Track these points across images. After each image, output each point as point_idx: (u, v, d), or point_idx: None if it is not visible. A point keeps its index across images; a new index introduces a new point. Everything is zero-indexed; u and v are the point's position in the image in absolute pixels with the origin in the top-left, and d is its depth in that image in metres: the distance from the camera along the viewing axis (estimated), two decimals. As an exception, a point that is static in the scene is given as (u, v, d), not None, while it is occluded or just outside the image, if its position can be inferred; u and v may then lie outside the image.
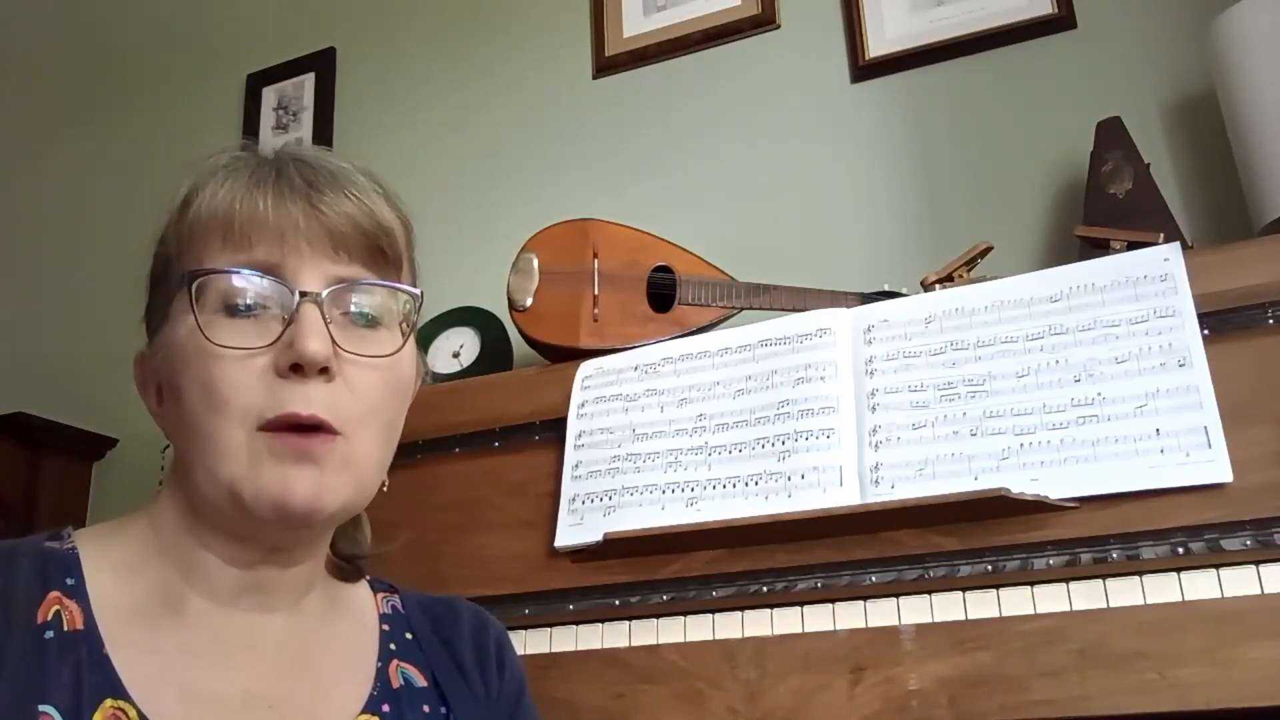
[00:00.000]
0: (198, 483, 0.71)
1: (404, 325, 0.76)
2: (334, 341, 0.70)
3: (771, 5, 1.89)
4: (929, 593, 1.06)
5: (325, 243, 0.72)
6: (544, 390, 1.36)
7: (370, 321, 0.74)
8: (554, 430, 1.32)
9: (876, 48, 1.79)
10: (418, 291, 0.77)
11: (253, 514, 0.69)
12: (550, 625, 1.20)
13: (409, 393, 0.79)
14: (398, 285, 0.76)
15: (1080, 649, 0.96)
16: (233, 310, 0.70)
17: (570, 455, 1.28)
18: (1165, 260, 1.10)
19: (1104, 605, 0.99)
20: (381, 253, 0.75)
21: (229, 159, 0.75)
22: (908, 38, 1.77)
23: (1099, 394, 1.06)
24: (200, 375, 0.69)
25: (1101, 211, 1.38)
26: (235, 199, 0.72)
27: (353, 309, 0.73)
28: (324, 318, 0.70)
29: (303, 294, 0.70)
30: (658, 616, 1.16)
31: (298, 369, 0.69)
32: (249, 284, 0.71)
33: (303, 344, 0.68)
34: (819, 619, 1.09)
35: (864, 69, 1.79)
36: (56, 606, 0.67)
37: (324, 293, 0.71)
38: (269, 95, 2.33)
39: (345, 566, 0.85)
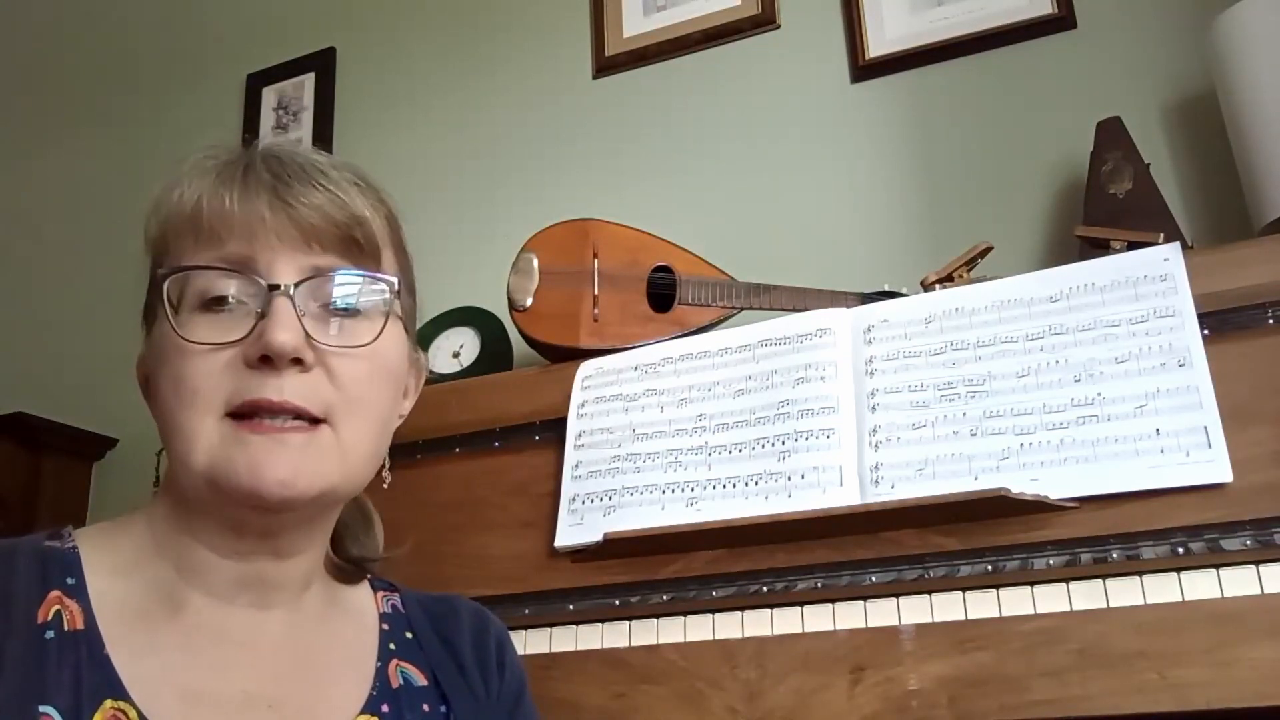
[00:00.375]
0: (178, 475, 0.71)
1: (386, 314, 0.75)
2: (309, 334, 0.70)
3: (771, 5, 1.89)
4: (929, 593, 1.06)
5: (295, 235, 0.72)
6: (544, 390, 1.36)
7: (349, 312, 0.74)
8: (554, 430, 1.32)
9: (876, 48, 1.79)
10: (393, 279, 0.76)
11: (229, 498, 0.69)
12: (550, 625, 1.20)
13: (398, 381, 0.79)
14: (371, 273, 0.75)
15: (1080, 649, 0.96)
16: (207, 306, 0.70)
17: (570, 455, 1.28)
18: (1165, 260, 1.10)
19: (1104, 605, 0.99)
20: (355, 243, 0.74)
21: (199, 158, 0.76)
22: (908, 38, 1.77)
23: (1099, 394, 1.06)
24: (173, 370, 0.70)
25: (1101, 211, 1.38)
26: (202, 197, 0.72)
27: (330, 300, 0.73)
28: (296, 309, 0.70)
29: (272, 287, 0.70)
30: (658, 616, 1.16)
31: (268, 360, 0.69)
32: (221, 280, 0.71)
33: (270, 335, 0.68)
34: (819, 619, 1.09)
35: (864, 69, 1.79)
36: (57, 606, 0.67)
37: (294, 285, 0.71)
38: (269, 95, 2.33)
39: (346, 568, 0.85)
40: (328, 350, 0.72)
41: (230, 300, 0.70)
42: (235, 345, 0.69)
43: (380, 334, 0.74)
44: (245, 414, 0.69)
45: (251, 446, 0.68)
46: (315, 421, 0.71)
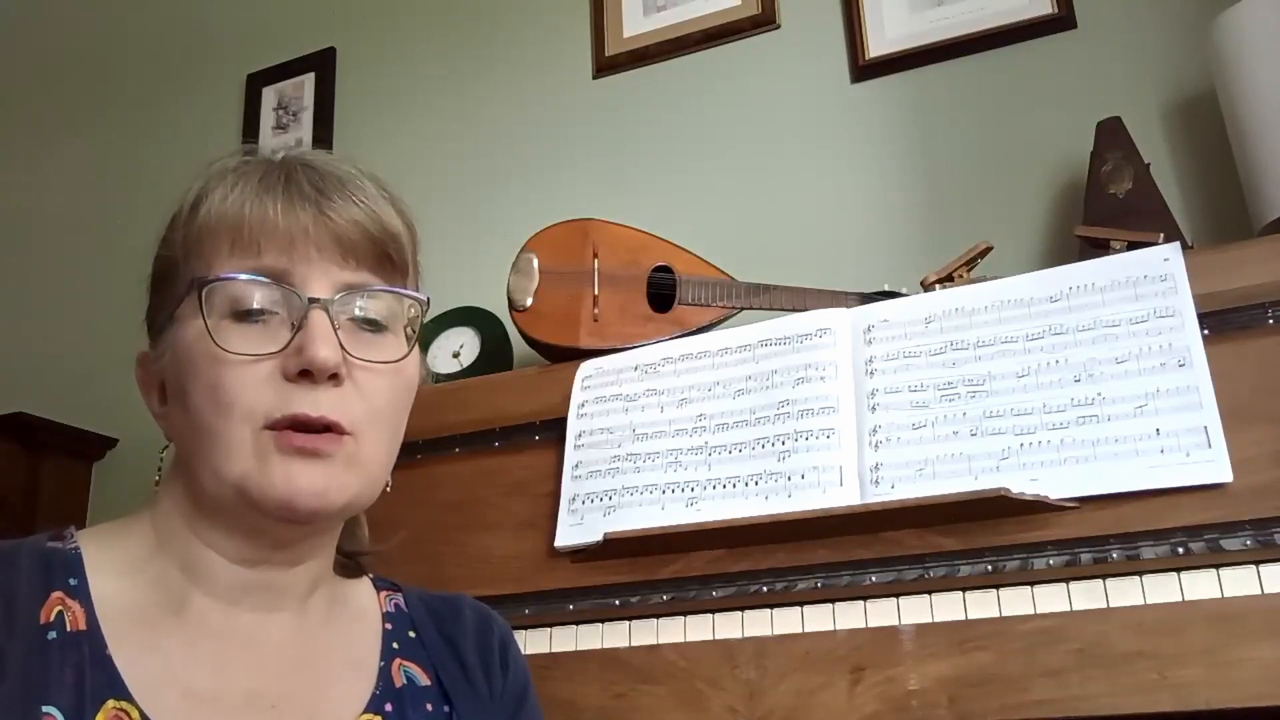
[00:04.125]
0: (203, 482, 0.71)
1: (409, 330, 0.77)
2: (343, 348, 0.71)
3: (771, 5, 1.89)
4: (929, 593, 1.06)
5: (334, 249, 0.73)
6: (544, 390, 1.36)
7: (377, 327, 0.75)
8: (554, 430, 1.32)
9: (876, 48, 1.79)
10: (424, 298, 0.78)
11: (261, 509, 0.70)
12: (550, 625, 1.20)
13: (413, 394, 0.80)
14: (405, 292, 0.77)
15: (1080, 649, 0.96)
16: (241, 315, 0.71)
17: (570, 455, 1.28)
18: (1165, 260, 1.10)
19: (1104, 605, 0.99)
20: (389, 259, 0.76)
21: (237, 163, 0.76)
22: (908, 38, 1.77)
23: (1099, 394, 1.06)
24: (208, 379, 0.70)
25: (1101, 211, 1.38)
26: (245, 204, 0.72)
27: (360, 314, 0.74)
28: (333, 324, 0.71)
29: (312, 300, 0.71)
30: (658, 616, 1.16)
31: (307, 374, 0.70)
32: (259, 290, 0.71)
33: (313, 351, 0.69)
34: (819, 619, 1.09)
35: (864, 69, 1.79)
36: (59, 607, 0.68)
37: (333, 299, 0.72)
38: (269, 95, 2.33)
39: (347, 562, 0.85)
40: (359, 365, 0.73)
41: (265, 310, 0.71)
42: (273, 357, 0.70)
43: (409, 352, 0.76)
44: (280, 428, 0.69)
45: (287, 461, 0.69)
46: (341, 435, 0.71)
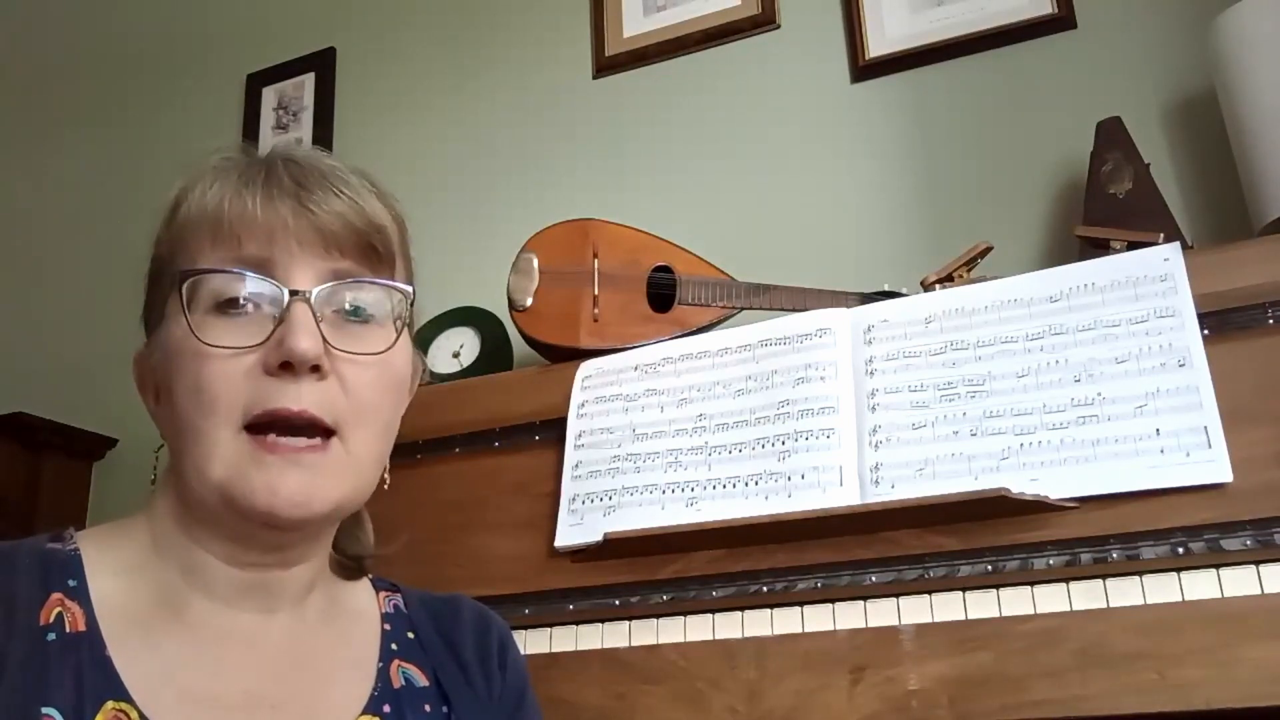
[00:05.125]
0: (190, 483, 0.71)
1: (397, 322, 0.76)
2: (325, 340, 0.70)
3: (771, 5, 1.89)
4: (929, 593, 1.06)
5: (316, 241, 0.72)
6: (544, 390, 1.36)
7: (363, 319, 0.74)
8: (554, 430, 1.32)
9: (876, 48, 1.79)
10: (409, 288, 0.77)
11: (244, 516, 0.69)
12: (550, 625, 1.20)
13: (405, 389, 0.79)
14: (389, 282, 0.76)
15: (1080, 649, 0.96)
16: (224, 309, 0.70)
17: (570, 455, 1.28)
18: (1165, 260, 1.10)
19: (1104, 605, 0.99)
20: (374, 250, 0.75)
21: (219, 160, 0.76)
22: (908, 38, 1.77)
23: (1099, 394, 1.06)
24: (190, 374, 0.70)
25: (1101, 211, 1.37)
26: (224, 199, 0.72)
27: (345, 306, 0.73)
28: (315, 316, 0.70)
29: (293, 292, 0.70)
30: (658, 616, 1.16)
31: (288, 367, 0.69)
32: (240, 283, 0.71)
33: (292, 342, 0.68)
34: (819, 619, 1.09)
35: (864, 69, 1.79)
36: (59, 608, 0.68)
37: (314, 290, 0.71)
38: (269, 95, 2.33)
39: (348, 564, 0.85)
40: (341, 357, 0.72)
41: (247, 303, 0.70)
42: (254, 350, 0.69)
43: (395, 343, 0.75)
44: (263, 426, 0.69)
45: (268, 468, 0.68)
46: (327, 435, 0.71)
